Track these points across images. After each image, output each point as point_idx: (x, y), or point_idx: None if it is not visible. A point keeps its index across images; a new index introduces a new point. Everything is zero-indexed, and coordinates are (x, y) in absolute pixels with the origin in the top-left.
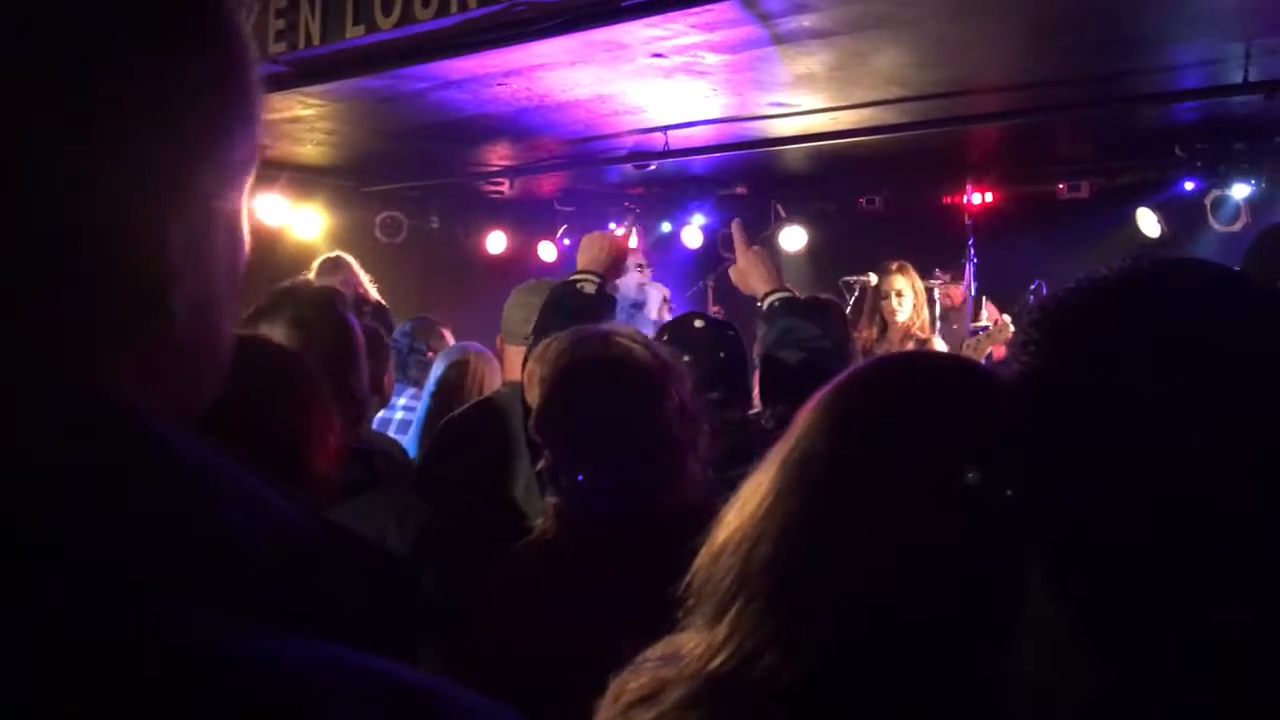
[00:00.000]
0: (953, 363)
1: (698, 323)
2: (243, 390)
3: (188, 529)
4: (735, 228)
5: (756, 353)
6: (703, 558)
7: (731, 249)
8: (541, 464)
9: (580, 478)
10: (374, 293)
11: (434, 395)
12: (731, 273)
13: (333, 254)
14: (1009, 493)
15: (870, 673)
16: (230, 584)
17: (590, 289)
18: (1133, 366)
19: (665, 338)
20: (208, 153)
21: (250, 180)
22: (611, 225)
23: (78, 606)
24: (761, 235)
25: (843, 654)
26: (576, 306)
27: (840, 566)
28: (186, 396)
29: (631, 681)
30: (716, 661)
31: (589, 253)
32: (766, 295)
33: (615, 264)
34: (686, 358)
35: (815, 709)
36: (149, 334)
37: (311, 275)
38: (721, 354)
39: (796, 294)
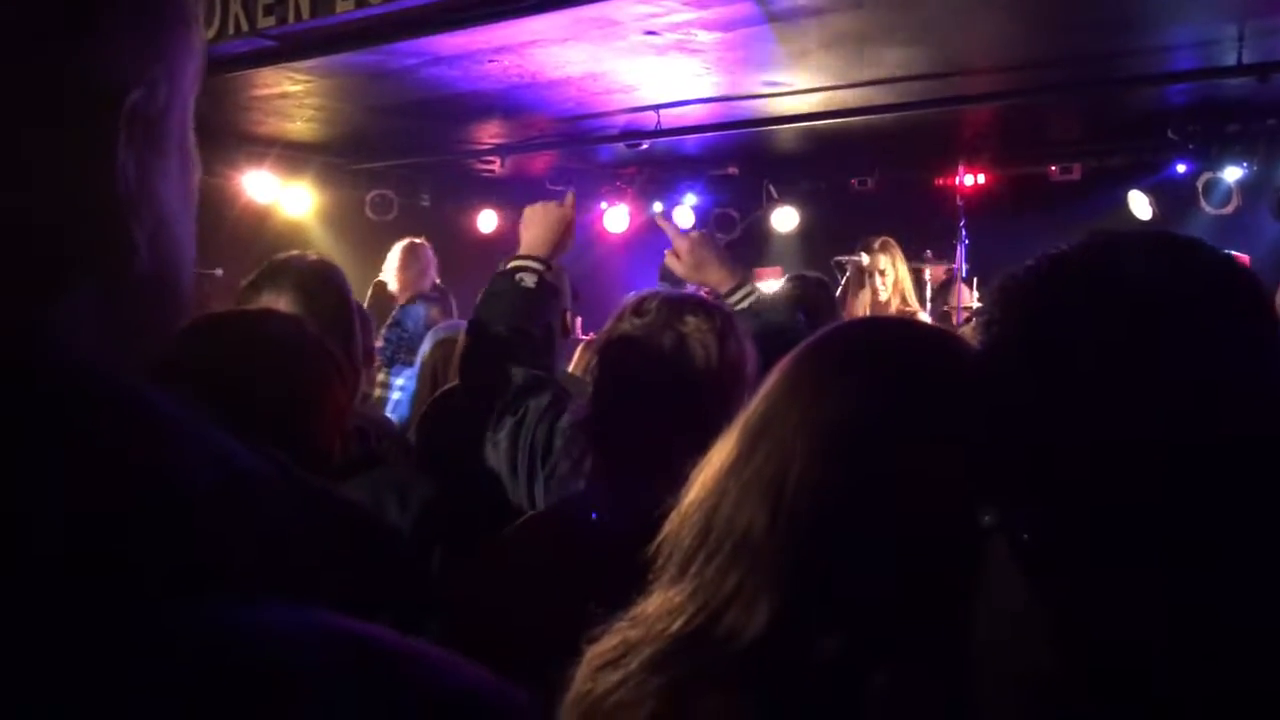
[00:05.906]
0: (917, 329)
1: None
2: (261, 362)
3: (141, 489)
4: (659, 219)
5: None
6: (672, 520)
7: (724, 229)
8: (567, 418)
9: (595, 515)
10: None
11: (421, 373)
12: (670, 263)
13: (417, 239)
14: (963, 462)
15: (827, 631)
16: (188, 546)
17: (530, 282)
18: (1079, 342)
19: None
20: (147, 60)
21: (193, 98)
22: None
23: (17, 577)
24: (753, 214)
25: (800, 612)
26: (515, 305)
27: (797, 527)
28: (151, 329)
29: (602, 644)
30: (680, 621)
31: (531, 231)
32: (729, 295)
33: (562, 243)
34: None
35: (775, 668)
36: (110, 269)
37: (395, 261)
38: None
39: (755, 285)
